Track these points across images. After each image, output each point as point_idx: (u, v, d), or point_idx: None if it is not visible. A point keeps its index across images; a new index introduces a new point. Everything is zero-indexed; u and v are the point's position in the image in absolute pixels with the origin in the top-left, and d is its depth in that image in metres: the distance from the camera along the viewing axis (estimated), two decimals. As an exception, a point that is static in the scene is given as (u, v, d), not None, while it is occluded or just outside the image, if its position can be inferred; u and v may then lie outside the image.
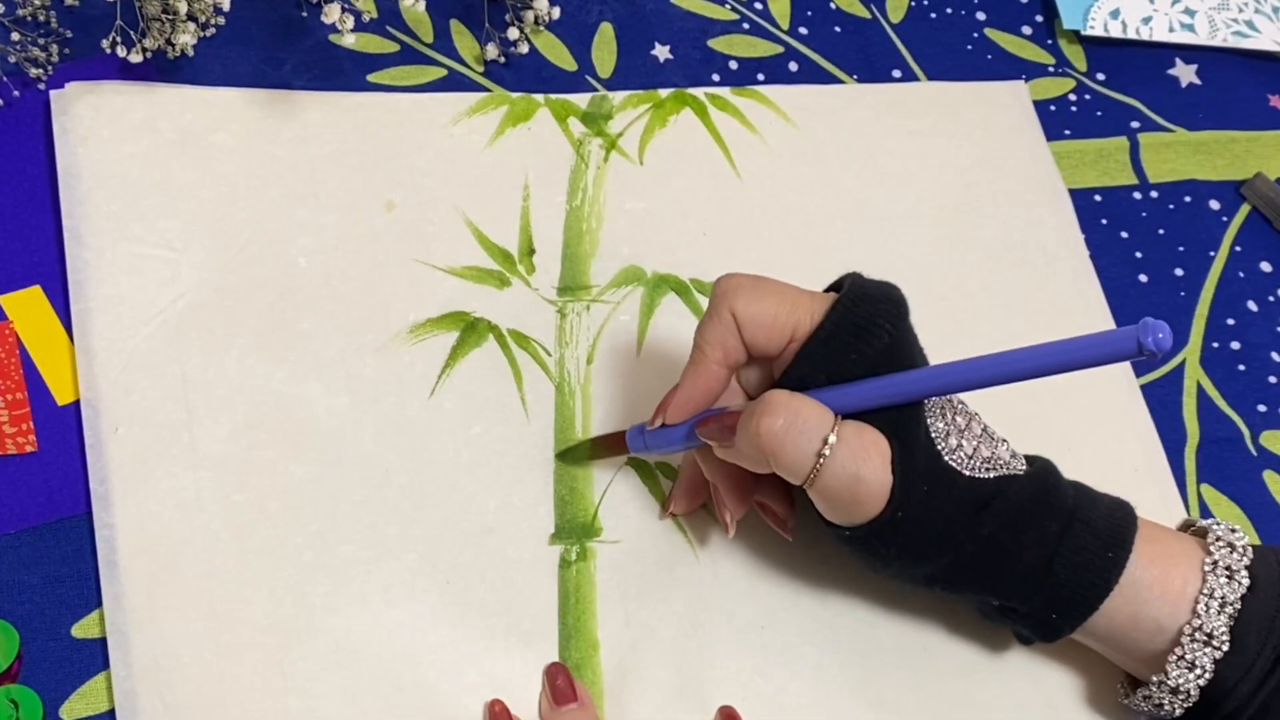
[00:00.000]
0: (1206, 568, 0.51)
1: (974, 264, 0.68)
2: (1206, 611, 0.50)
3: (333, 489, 0.56)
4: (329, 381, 0.58)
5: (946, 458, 0.50)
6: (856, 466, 0.49)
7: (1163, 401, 0.66)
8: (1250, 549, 0.52)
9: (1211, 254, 0.72)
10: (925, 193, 0.70)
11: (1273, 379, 0.68)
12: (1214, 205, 0.73)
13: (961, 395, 0.52)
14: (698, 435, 0.52)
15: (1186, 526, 0.56)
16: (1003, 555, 0.51)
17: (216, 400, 0.56)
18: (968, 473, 0.50)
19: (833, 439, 0.49)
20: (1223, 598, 0.51)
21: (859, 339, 0.50)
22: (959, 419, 0.51)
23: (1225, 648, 0.50)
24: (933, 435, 0.50)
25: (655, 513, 0.58)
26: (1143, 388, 0.66)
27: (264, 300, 0.59)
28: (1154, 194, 0.73)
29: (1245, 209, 0.73)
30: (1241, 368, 0.68)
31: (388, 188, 0.63)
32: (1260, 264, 0.72)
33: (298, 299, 0.59)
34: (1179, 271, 0.71)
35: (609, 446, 0.58)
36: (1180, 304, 0.70)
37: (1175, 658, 0.51)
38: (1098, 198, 0.72)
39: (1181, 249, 0.71)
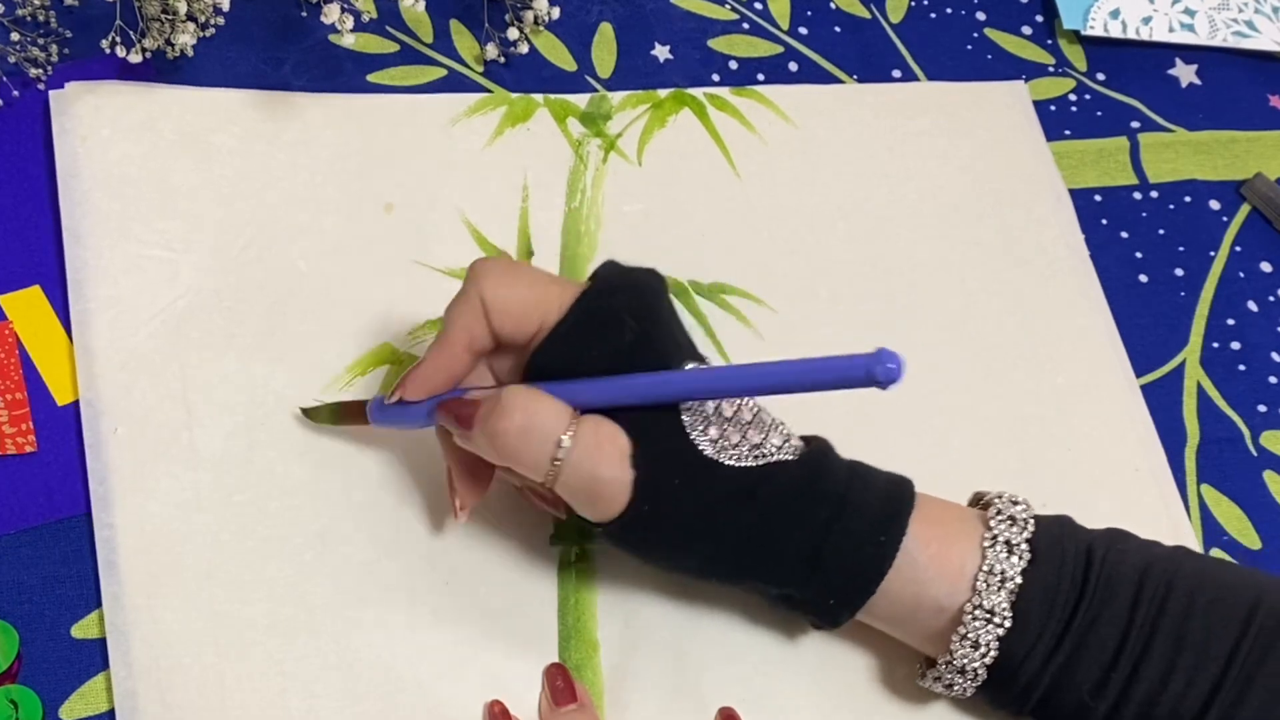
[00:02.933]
0: (985, 544, 0.50)
1: (974, 264, 0.68)
2: (986, 588, 0.49)
3: (333, 490, 0.56)
4: (327, 384, 0.58)
5: (704, 449, 0.48)
6: (593, 465, 0.48)
7: (1163, 401, 0.66)
8: (1033, 520, 0.51)
9: (1211, 254, 0.72)
10: (925, 193, 0.70)
11: (1273, 379, 0.68)
12: (1214, 205, 0.73)
13: None
14: (437, 418, 0.51)
15: (976, 500, 0.55)
16: (769, 544, 0.50)
17: (216, 400, 0.56)
18: (730, 462, 0.49)
19: (566, 440, 0.48)
20: (1002, 573, 0.50)
21: (599, 334, 0.49)
22: (724, 407, 0.49)
23: (1008, 624, 0.49)
24: (686, 426, 0.48)
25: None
26: (1143, 388, 0.66)
27: (263, 302, 0.59)
28: (1154, 194, 0.73)
29: (1245, 209, 0.73)
30: (1241, 368, 0.68)
31: (387, 190, 0.63)
32: (1260, 264, 0.72)
33: (297, 301, 0.59)
34: (1179, 271, 0.71)
35: (351, 414, 0.56)
36: (1180, 304, 0.70)
37: (958, 637, 0.50)
38: (1098, 198, 0.72)
39: (1181, 249, 0.71)
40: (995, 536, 0.50)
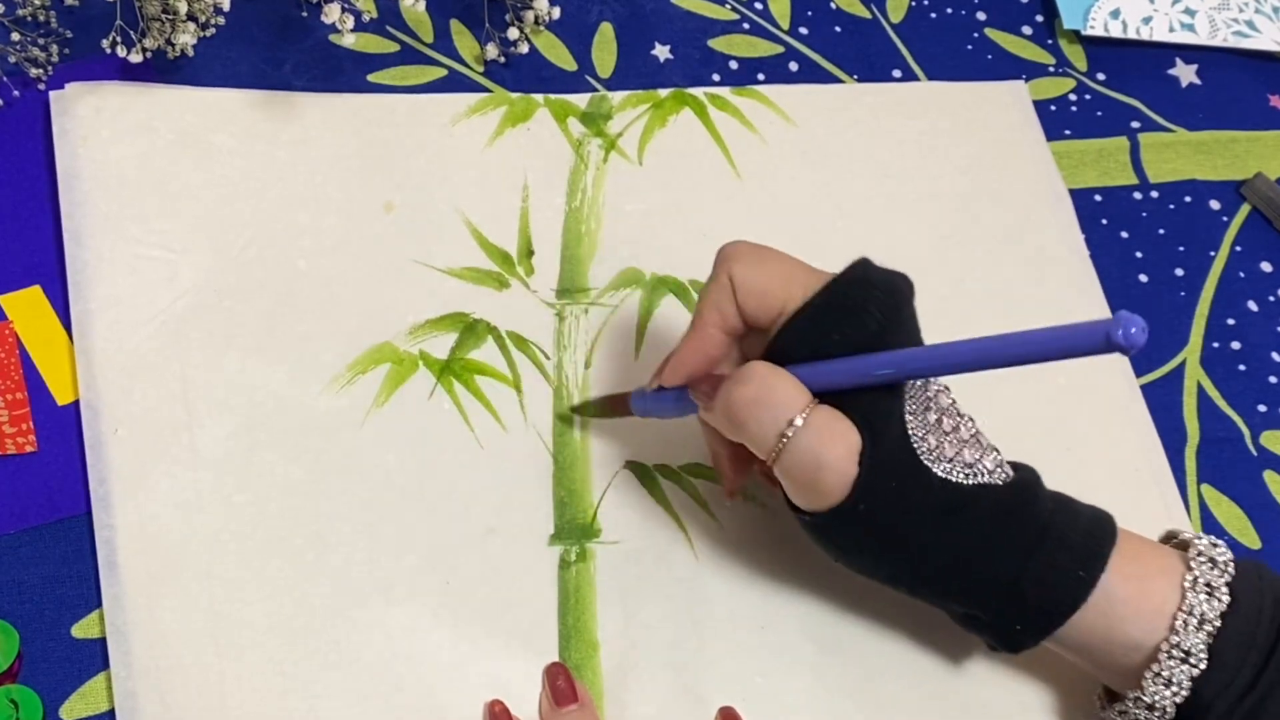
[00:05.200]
0: (1186, 584, 0.50)
1: (974, 264, 0.68)
2: (1185, 629, 0.49)
3: (333, 490, 0.56)
4: (328, 383, 0.58)
5: (922, 458, 0.49)
6: (819, 452, 0.48)
7: (1163, 401, 0.66)
8: (1233, 564, 0.51)
9: (1211, 254, 0.72)
10: (925, 192, 0.70)
11: (1273, 379, 0.68)
12: (1214, 205, 0.73)
13: (955, 398, 0.51)
14: (690, 394, 0.52)
15: (1170, 538, 0.54)
16: (968, 564, 0.50)
17: (216, 401, 0.56)
18: (943, 475, 0.49)
19: (799, 420, 0.48)
20: (1202, 615, 0.49)
21: (845, 320, 0.49)
22: (946, 420, 0.50)
23: (1203, 665, 0.49)
24: (909, 433, 0.49)
25: (654, 514, 0.58)
26: (1143, 388, 0.66)
27: (264, 302, 0.59)
28: (1154, 194, 0.73)
29: (1245, 209, 0.73)
30: (1241, 368, 0.68)
31: (387, 189, 0.63)
32: (1260, 264, 0.72)
33: (297, 301, 0.59)
34: (1179, 271, 0.71)
35: (616, 407, 0.58)
36: (1180, 304, 0.70)
37: (1152, 674, 0.50)
38: (1098, 198, 0.72)
39: (1181, 249, 0.71)
40: (1196, 578, 0.50)
